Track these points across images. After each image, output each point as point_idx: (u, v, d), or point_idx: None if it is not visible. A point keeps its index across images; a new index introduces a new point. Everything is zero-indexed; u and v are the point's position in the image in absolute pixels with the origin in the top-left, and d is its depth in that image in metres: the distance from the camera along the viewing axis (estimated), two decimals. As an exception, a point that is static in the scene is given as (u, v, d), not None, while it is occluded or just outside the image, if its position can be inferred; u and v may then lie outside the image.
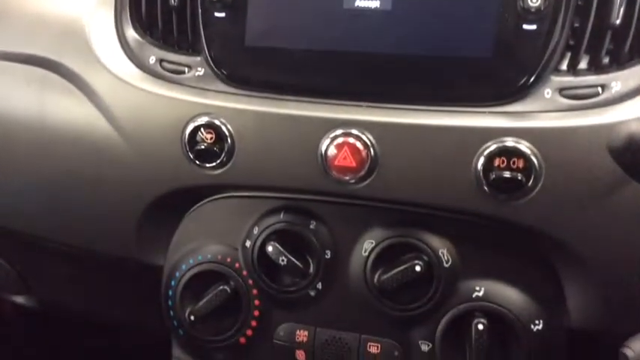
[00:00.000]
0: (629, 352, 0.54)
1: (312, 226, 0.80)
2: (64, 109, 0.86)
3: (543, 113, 0.70)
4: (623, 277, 0.71)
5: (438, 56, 0.72)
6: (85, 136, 0.85)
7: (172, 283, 0.87)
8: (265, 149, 0.78)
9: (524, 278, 0.75)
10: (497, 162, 0.70)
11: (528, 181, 0.70)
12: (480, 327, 0.73)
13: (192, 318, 0.84)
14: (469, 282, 0.76)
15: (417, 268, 0.75)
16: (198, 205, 0.87)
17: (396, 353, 0.79)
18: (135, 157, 0.83)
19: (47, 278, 1.11)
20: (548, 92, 0.70)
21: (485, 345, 0.73)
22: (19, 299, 1.21)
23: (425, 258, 0.76)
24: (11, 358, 1.50)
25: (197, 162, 0.80)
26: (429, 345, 0.77)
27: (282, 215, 0.81)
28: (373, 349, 0.80)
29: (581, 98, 0.70)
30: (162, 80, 0.82)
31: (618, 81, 0.68)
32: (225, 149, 0.79)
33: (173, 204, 0.86)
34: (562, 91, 0.70)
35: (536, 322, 0.74)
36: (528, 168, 0.69)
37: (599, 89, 0.69)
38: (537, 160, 0.69)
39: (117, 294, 1.04)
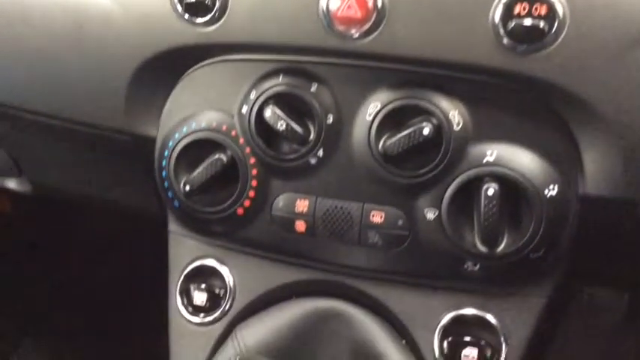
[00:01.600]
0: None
1: (313, 89, 0.74)
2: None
3: None
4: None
5: None
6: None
7: (165, 153, 0.83)
8: (262, 2, 0.72)
9: (540, 141, 0.70)
10: (517, 9, 0.64)
11: (551, 30, 0.63)
12: (490, 192, 0.69)
13: (187, 188, 0.81)
14: (480, 146, 0.71)
15: (425, 131, 0.70)
16: (191, 70, 0.81)
17: (400, 222, 0.75)
18: (120, 14, 0.76)
19: (38, 158, 1.07)
20: None
21: (494, 212, 0.69)
22: (12, 184, 1.18)
23: (434, 121, 0.70)
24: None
25: (187, 16, 0.73)
26: (435, 212, 0.73)
27: (280, 78, 0.75)
28: (376, 218, 0.76)
29: None
30: None
31: None
32: (218, 2, 0.72)
33: (163, 68, 0.80)
34: None
35: (551, 187, 0.69)
36: (552, 15, 0.63)
37: None
38: (562, 6, 0.63)
39: (110, 173, 1.00)
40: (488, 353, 0.76)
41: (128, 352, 1.44)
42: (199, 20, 0.74)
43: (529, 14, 0.63)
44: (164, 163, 0.83)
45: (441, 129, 0.70)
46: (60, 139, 0.96)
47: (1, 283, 1.49)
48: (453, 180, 0.72)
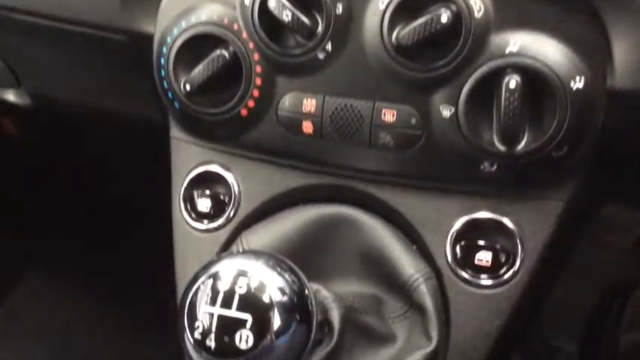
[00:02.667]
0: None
1: None
2: None
3: None
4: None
5: None
6: None
7: (164, 50, 0.78)
8: None
9: (567, 30, 0.64)
10: None
11: None
12: (512, 85, 0.64)
13: (187, 88, 0.76)
14: (503, 35, 0.65)
15: (444, 19, 0.64)
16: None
17: (414, 121, 0.70)
18: None
19: (35, 67, 1.03)
20: None
21: (516, 106, 0.64)
22: (11, 96, 1.15)
23: (453, 7, 0.65)
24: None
25: None
26: (451, 110, 0.68)
27: None
28: (388, 116, 0.71)
29: None
30: None
31: None
32: None
33: None
34: None
35: (577, 79, 0.64)
36: None
37: None
38: None
39: (108, 78, 0.96)
40: (503, 258, 0.73)
41: (132, 265, 1.44)
42: None
43: None
44: (162, 61, 0.78)
45: (461, 16, 0.65)
46: (55, 43, 0.92)
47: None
48: (472, 73, 0.66)
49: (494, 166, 0.69)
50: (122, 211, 1.50)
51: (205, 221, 0.83)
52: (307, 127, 0.75)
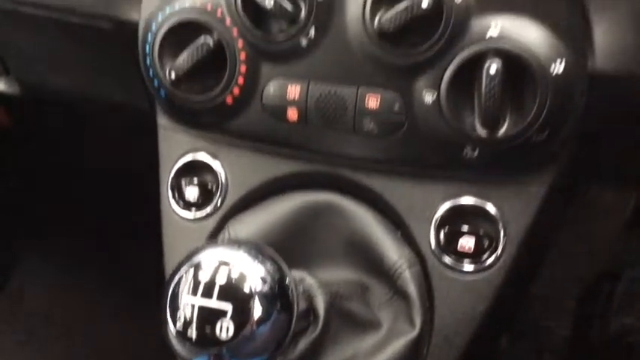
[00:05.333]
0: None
1: None
2: None
3: None
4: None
5: None
6: None
7: (148, 38, 0.78)
8: None
9: (548, 12, 0.64)
10: None
11: None
12: (493, 70, 0.64)
13: (172, 76, 0.76)
14: (483, 19, 0.65)
15: (424, 4, 0.64)
16: (171, -56, 0.75)
17: (397, 106, 0.71)
18: None
19: (22, 54, 1.03)
20: None
21: (496, 91, 0.65)
22: (0, 85, 1.15)
23: None
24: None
25: None
26: (433, 95, 0.69)
27: None
28: (372, 102, 0.71)
29: None
30: None
31: None
32: None
33: None
34: None
35: (558, 61, 0.64)
36: None
37: None
38: None
39: (94, 66, 0.96)
40: (486, 244, 0.73)
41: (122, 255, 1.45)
42: None
43: None
44: (147, 49, 0.78)
45: (442, 0, 0.65)
46: (41, 31, 0.92)
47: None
48: (454, 58, 0.67)
49: (476, 152, 0.69)
50: (120, 200, 1.51)
51: (193, 209, 0.84)
52: (292, 113, 0.75)
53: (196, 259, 0.58)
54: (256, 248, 0.59)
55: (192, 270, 0.57)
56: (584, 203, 1.22)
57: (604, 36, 0.64)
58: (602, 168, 0.88)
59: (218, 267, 0.56)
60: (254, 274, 0.56)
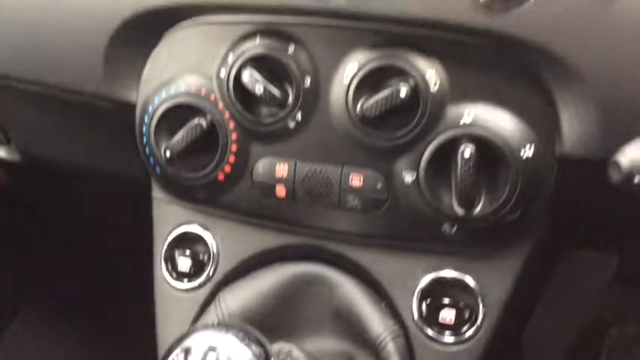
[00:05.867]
0: (621, 158, 0.50)
1: (290, 51, 0.74)
2: None
3: None
4: (623, 98, 0.65)
5: None
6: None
7: (145, 118, 0.82)
8: None
9: (517, 101, 0.70)
10: None
11: None
12: (467, 154, 0.69)
13: (167, 154, 0.80)
14: (457, 107, 0.71)
15: (402, 93, 0.69)
16: (168, 32, 0.80)
17: (379, 185, 0.75)
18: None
19: (24, 126, 1.07)
20: None
21: (471, 173, 0.69)
22: (1, 152, 1.19)
23: (411, 82, 0.70)
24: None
25: None
26: (413, 175, 0.73)
27: (257, 40, 0.74)
28: (355, 181, 0.76)
29: None
30: None
31: None
32: None
33: (142, 30, 0.79)
34: None
35: (527, 147, 0.69)
36: None
37: None
38: None
39: (95, 141, 1.00)
40: (466, 315, 0.76)
41: (116, 320, 1.46)
42: None
43: (505, -28, 0.62)
44: (144, 129, 0.83)
45: (418, 90, 0.70)
46: (43, 106, 0.96)
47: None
48: (431, 142, 0.71)
49: (454, 228, 0.74)
50: (113, 265, 1.53)
51: (185, 280, 0.87)
52: (280, 190, 0.79)
53: (186, 343, 0.61)
54: (243, 331, 0.62)
55: (182, 355, 0.60)
56: (568, 262, 1.25)
57: (570, 123, 0.69)
58: (580, 235, 0.92)
59: (207, 351, 0.59)
60: (240, 358, 0.59)
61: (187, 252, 0.87)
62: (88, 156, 1.04)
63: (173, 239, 0.88)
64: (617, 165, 0.51)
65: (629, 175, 0.49)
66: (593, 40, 0.64)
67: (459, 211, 0.71)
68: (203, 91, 0.79)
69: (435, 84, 0.70)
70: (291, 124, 0.76)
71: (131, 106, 0.85)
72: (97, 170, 1.06)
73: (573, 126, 0.69)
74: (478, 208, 0.71)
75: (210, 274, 0.86)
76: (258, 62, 0.74)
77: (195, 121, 0.79)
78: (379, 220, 0.77)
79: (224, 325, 0.63)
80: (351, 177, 0.76)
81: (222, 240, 0.86)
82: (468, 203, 0.71)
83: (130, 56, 0.81)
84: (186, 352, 0.60)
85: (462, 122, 0.70)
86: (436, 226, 0.74)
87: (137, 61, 0.82)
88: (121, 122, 0.87)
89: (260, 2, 0.72)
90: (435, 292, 0.77)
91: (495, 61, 0.69)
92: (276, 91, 0.74)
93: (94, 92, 0.86)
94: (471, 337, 0.76)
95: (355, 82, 0.72)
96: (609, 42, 0.64)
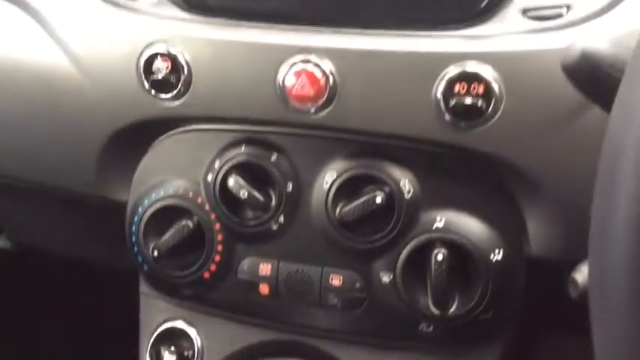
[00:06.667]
0: (578, 276, 0.54)
1: (273, 159, 0.79)
2: (17, 39, 0.83)
3: (505, 36, 0.68)
4: (584, 207, 0.70)
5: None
6: (39, 67, 0.82)
7: (135, 219, 0.86)
8: (223, 79, 0.76)
9: (485, 208, 0.74)
10: (457, 88, 0.68)
11: (488, 108, 0.68)
12: (440, 257, 0.73)
13: (155, 254, 0.84)
14: (430, 213, 0.75)
15: (378, 200, 0.74)
16: (158, 140, 0.85)
17: (358, 285, 0.78)
18: (91, 88, 0.80)
19: (16, 218, 1.10)
20: (511, 13, 0.68)
21: (444, 275, 0.73)
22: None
23: (386, 189, 0.74)
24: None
25: (153, 92, 0.78)
26: (390, 276, 0.77)
27: (242, 148, 0.79)
28: (335, 281, 0.79)
29: (546, 19, 0.67)
30: (116, 7, 0.79)
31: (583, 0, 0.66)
32: (182, 79, 0.76)
33: (133, 138, 0.84)
34: (526, 12, 0.68)
35: (496, 251, 0.73)
36: (489, 94, 0.68)
37: (564, 10, 0.67)
38: (498, 85, 0.68)
39: (86, 234, 1.04)
40: None
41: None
42: (165, 96, 0.78)
43: (468, 93, 0.68)
44: (134, 228, 0.86)
45: (393, 197, 0.74)
46: (34, 201, 0.99)
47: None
48: (406, 245, 0.75)
49: (431, 327, 0.77)
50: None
51: None
52: (264, 288, 0.82)
53: None
54: None
55: None
56: (549, 348, 1.27)
57: (536, 228, 0.74)
58: (557, 325, 0.95)
59: None
60: None
61: (172, 348, 0.89)
62: (79, 248, 1.06)
63: (158, 335, 0.90)
64: (574, 282, 0.55)
65: (585, 293, 0.53)
66: (553, 154, 0.69)
67: (435, 310, 0.74)
68: (190, 194, 0.83)
69: (409, 192, 0.74)
70: (274, 227, 0.80)
71: (122, 205, 0.89)
72: (87, 261, 1.09)
73: (538, 231, 0.74)
74: (453, 308, 0.74)
75: None
76: (243, 169, 0.79)
77: (183, 222, 0.83)
78: (358, 318, 0.79)
79: None
80: (330, 277, 0.79)
81: (206, 336, 0.88)
82: (443, 303, 0.74)
83: (122, 161, 0.86)
84: None
85: (434, 227, 0.74)
86: (413, 325, 0.77)
87: (129, 165, 0.86)
88: (112, 218, 0.91)
89: (244, 116, 0.78)
90: None
91: (464, 170, 0.74)
92: (259, 196, 0.78)
93: (85, 191, 0.90)
94: None
95: (334, 188, 0.76)
96: (568, 154, 0.69)
